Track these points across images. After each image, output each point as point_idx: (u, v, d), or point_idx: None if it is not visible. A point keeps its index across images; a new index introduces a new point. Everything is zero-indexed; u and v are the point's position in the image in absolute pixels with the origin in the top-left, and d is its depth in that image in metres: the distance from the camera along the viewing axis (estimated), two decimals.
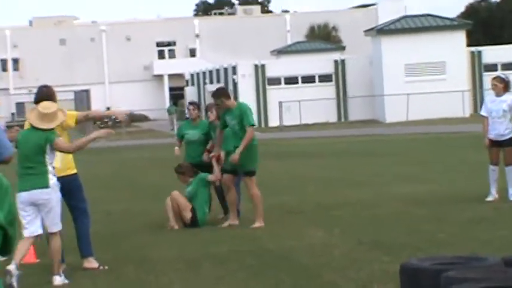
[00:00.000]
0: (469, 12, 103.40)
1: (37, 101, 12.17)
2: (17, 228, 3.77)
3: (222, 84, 79.06)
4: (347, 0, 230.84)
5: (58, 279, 11.83)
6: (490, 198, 17.80)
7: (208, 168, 16.73)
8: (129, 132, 71.24)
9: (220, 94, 16.43)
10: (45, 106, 11.88)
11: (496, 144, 17.77)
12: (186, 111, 73.59)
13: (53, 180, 11.80)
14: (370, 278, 11.08)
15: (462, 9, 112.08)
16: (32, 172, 11.61)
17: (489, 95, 18.71)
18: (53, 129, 11.80)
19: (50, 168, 11.78)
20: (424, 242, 13.42)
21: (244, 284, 11.25)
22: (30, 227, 11.71)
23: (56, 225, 11.87)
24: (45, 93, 12.36)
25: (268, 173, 16.34)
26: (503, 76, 18.53)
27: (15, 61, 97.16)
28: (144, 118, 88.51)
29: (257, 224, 15.76)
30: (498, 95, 17.80)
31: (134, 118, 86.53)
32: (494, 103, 17.80)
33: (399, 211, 17.37)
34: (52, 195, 11.73)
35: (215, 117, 17.02)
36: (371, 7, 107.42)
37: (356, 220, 15.76)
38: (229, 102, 16.25)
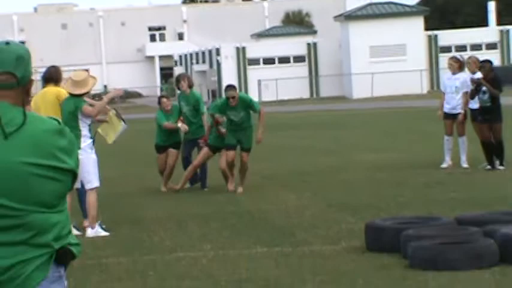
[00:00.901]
0: (427, 0, 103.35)
1: (45, 78, 12.50)
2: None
3: (207, 65, 79.31)
4: None
5: (90, 232, 12.07)
6: (444, 165, 17.91)
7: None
8: (124, 107, 71.16)
9: (235, 87, 16.31)
10: (77, 74, 12.38)
11: (449, 116, 17.90)
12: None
13: (85, 143, 12.04)
14: (338, 236, 11.09)
15: None
16: None
17: (446, 73, 18.79)
18: (83, 96, 12.14)
19: (84, 132, 12.06)
20: (386, 204, 13.45)
21: (227, 240, 11.24)
22: None
23: (89, 183, 12.09)
24: (53, 72, 12.64)
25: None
26: (458, 57, 18.87)
27: (22, 43, 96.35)
28: (137, 95, 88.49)
29: (240, 189, 15.68)
30: (454, 73, 17.94)
31: (129, 95, 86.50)
32: (449, 80, 18.04)
33: (365, 176, 17.40)
34: (83, 155, 11.75)
35: (187, 86, 16.73)
36: None
37: (326, 185, 15.79)
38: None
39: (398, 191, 15.08)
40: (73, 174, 3.78)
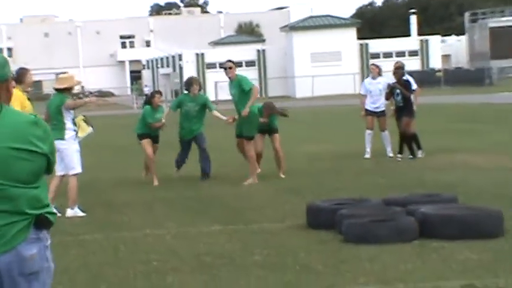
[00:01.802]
0: (359, 14, 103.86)
1: (15, 78, 12.34)
2: (56, 158, 4.26)
3: (170, 68, 79.14)
4: (267, 3, 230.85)
5: (69, 212, 12.07)
6: (366, 156, 18.13)
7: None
8: (98, 104, 70.75)
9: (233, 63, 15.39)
10: (62, 74, 12.83)
11: (372, 114, 18.25)
12: (145, 89, 72.39)
13: (69, 134, 12.10)
14: (283, 215, 11.14)
15: (353, 11, 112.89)
16: (54, 127, 11.62)
17: (367, 79, 19.05)
18: (67, 92, 12.35)
19: (68, 124, 12.14)
20: (324, 188, 13.52)
21: (188, 220, 11.25)
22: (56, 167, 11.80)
23: (73, 169, 12.11)
24: (18, 73, 12.25)
25: (212, 136, 16.32)
26: (377, 64, 19.59)
27: (10, 49, 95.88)
28: (110, 94, 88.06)
29: (250, 180, 14.88)
30: (373, 77, 18.37)
31: (103, 94, 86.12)
32: (371, 84, 18.37)
33: (307, 165, 17.47)
34: (68, 145, 11.99)
35: (198, 90, 16.09)
36: (285, 9, 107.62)
37: (274, 172, 15.80)
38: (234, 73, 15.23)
39: (334, 177, 15.17)
40: (47, 158, 4.12)
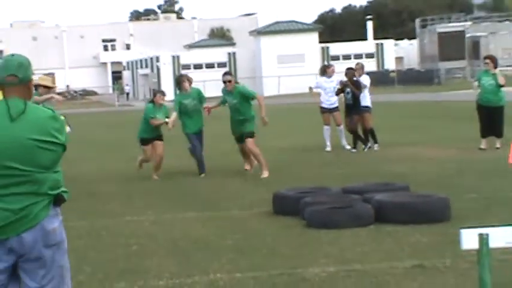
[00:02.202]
0: (320, 19, 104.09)
1: None
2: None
3: (149, 69, 78.88)
4: (237, 10, 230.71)
5: None
6: (327, 149, 18.22)
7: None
8: (83, 103, 70.52)
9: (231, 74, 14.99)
10: (44, 76, 13.14)
11: (327, 110, 18.37)
12: (126, 88, 71.97)
13: None
14: (252, 203, 11.16)
15: (316, 17, 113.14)
16: None
17: (322, 77, 19.11)
18: (40, 88, 12.54)
19: None
20: (288, 178, 13.54)
21: (165, 208, 11.24)
22: None
23: None
24: None
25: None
26: (332, 64, 20.18)
27: (0, 52, 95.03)
28: (93, 93, 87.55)
29: (265, 174, 14.19)
30: (329, 76, 18.50)
31: (87, 93, 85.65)
32: (327, 82, 18.45)
33: (273, 158, 17.48)
34: None
35: (189, 85, 14.96)
36: (253, 15, 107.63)
37: (241, 166, 15.80)
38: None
39: (298, 168, 15.21)
40: (63, 147, 4.46)
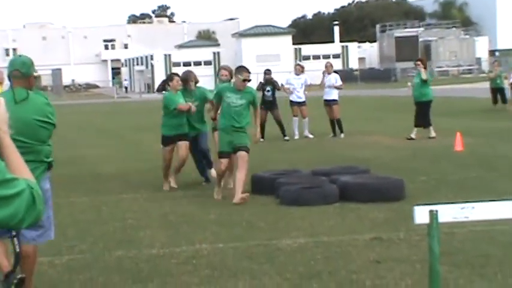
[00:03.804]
0: (294, 24, 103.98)
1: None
2: None
3: (144, 66, 78.57)
4: (221, 15, 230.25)
5: None
6: (296, 137, 18.25)
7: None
8: (86, 95, 70.17)
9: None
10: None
11: (295, 104, 18.42)
12: (124, 82, 71.34)
13: None
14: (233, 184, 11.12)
15: (290, 22, 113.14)
16: None
17: (291, 74, 19.18)
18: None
19: None
20: (264, 162, 13.50)
21: (157, 186, 11.16)
22: None
23: None
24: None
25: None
26: (301, 64, 20.11)
27: (14, 50, 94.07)
28: (95, 86, 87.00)
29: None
30: (297, 74, 18.51)
31: (90, 86, 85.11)
32: (295, 79, 18.50)
33: (252, 145, 17.42)
34: None
35: (194, 85, 11.27)
36: (235, 20, 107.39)
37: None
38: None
39: (273, 154, 15.18)
40: (54, 125, 5.24)
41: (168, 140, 11.00)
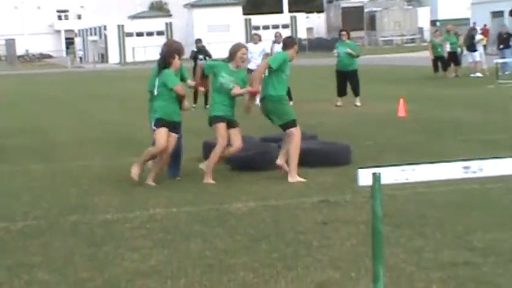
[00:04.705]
0: None
1: None
2: None
3: (97, 36, 77.41)
4: None
5: None
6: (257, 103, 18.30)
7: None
8: (40, 65, 68.98)
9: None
10: None
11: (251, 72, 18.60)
12: (79, 52, 70.43)
13: None
14: (186, 150, 11.07)
15: None
16: None
17: (250, 44, 19.21)
18: None
19: None
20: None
21: (111, 153, 11.06)
22: None
23: None
24: None
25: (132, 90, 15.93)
26: (258, 33, 20.65)
27: None
28: (49, 56, 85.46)
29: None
30: (255, 43, 18.61)
31: (44, 57, 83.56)
32: (253, 48, 18.52)
33: (205, 113, 17.37)
34: None
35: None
36: None
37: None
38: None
39: None
40: None
41: (161, 122, 8.51)
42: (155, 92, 8.64)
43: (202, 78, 9.11)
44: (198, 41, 19.41)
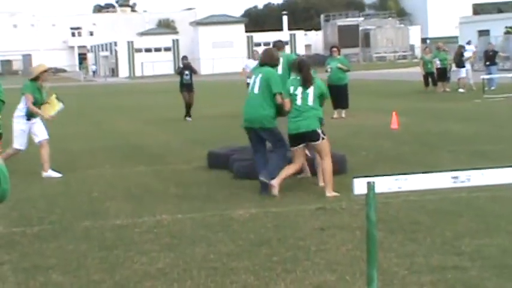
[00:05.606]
0: (246, 13, 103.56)
1: None
2: None
3: (108, 52, 77.45)
4: (180, 5, 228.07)
5: (44, 174, 9.99)
6: None
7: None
8: (54, 78, 69.16)
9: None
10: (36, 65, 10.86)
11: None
12: (92, 67, 70.75)
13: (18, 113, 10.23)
14: (191, 159, 11.10)
15: (242, 11, 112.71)
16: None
17: (250, 60, 19.26)
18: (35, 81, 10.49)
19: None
20: (220, 139, 13.46)
21: (121, 162, 11.07)
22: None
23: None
24: None
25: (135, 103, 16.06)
26: (257, 49, 20.35)
27: None
28: (63, 71, 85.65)
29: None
30: (255, 59, 18.80)
31: (58, 71, 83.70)
32: (253, 64, 18.53)
33: (208, 123, 17.40)
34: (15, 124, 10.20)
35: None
36: (192, 9, 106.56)
37: (183, 127, 15.68)
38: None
39: (228, 131, 15.15)
40: (3, 102, 6.14)
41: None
42: None
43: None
44: (184, 58, 19.74)
